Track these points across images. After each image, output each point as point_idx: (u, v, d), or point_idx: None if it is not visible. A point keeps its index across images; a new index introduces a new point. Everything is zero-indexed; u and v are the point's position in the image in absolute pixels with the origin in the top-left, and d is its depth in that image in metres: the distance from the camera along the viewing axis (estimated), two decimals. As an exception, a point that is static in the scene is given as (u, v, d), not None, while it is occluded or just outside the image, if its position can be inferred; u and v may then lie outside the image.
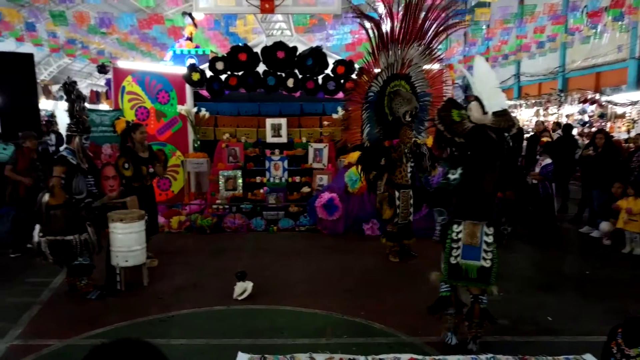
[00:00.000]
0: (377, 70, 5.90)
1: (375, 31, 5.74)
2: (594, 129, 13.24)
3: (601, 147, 7.56)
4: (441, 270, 3.81)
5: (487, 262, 3.60)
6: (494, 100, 3.63)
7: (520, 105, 19.43)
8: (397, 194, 5.84)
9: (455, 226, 3.69)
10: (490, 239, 3.62)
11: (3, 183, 6.50)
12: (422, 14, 5.66)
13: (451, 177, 3.69)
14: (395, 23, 5.68)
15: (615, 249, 6.63)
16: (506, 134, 3.63)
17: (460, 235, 3.66)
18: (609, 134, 8.09)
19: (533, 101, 18.72)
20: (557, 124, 13.80)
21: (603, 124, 13.97)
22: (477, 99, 3.63)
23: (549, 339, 3.99)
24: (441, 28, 5.72)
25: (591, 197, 7.62)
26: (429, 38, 5.76)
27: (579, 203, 8.29)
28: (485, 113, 3.58)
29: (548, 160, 7.20)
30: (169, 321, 4.35)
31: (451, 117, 3.70)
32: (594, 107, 14.74)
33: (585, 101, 15.07)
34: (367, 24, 5.78)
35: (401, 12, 5.62)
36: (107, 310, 4.58)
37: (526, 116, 18.76)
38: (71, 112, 4.87)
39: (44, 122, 15.84)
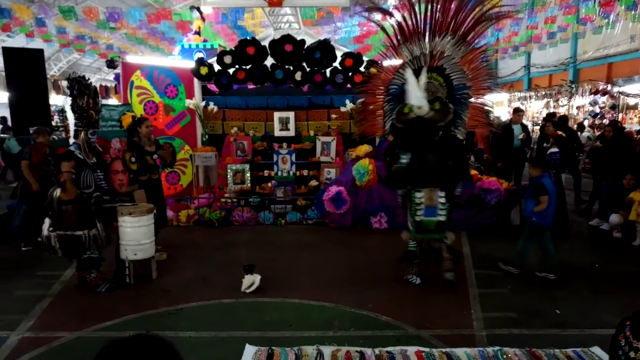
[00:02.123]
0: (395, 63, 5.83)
1: (395, 24, 5.67)
2: (605, 121, 13.10)
3: (610, 139, 7.48)
4: (408, 228, 5.05)
5: (442, 217, 4.82)
6: (414, 102, 4.95)
7: (530, 97, 19.24)
8: None
9: (417, 193, 4.85)
10: (443, 200, 4.80)
11: (16, 176, 6.60)
12: (453, 5, 5.50)
13: (403, 160, 4.93)
14: (418, 15, 5.58)
15: (626, 242, 6.57)
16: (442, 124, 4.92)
17: (422, 200, 4.82)
18: (619, 126, 7.99)
19: (543, 93, 18.52)
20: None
21: (614, 115, 13.79)
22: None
23: (556, 332, 3.97)
24: (477, 19, 5.44)
25: (601, 189, 7.55)
26: (465, 30, 5.53)
27: (589, 195, 8.21)
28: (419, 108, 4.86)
29: (555, 149, 7.13)
30: (178, 314, 4.39)
31: (403, 109, 4.98)
32: (605, 98, 14.56)
33: (596, 92, 14.89)
34: (380, 17, 5.67)
35: (423, 4, 5.51)
36: (116, 303, 4.63)
37: (536, 108, 18.58)
38: (73, 107, 4.91)
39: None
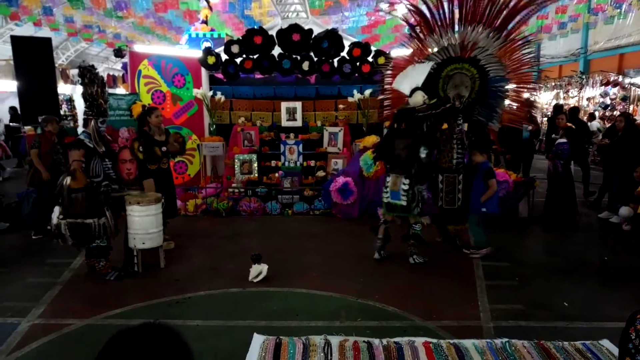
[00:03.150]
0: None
1: (417, 16, 5.66)
2: (616, 113, 12.94)
3: (621, 130, 7.40)
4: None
5: (404, 202, 5.21)
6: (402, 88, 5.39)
7: (540, 88, 19.03)
8: (440, 177, 5.78)
9: (388, 177, 5.38)
10: (405, 187, 5.18)
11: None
12: None
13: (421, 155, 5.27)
14: (445, 5, 5.53)
15: (635, 235, 6.52)
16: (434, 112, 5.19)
17: (389, 184, 5.31)
18: (630, 117, 7.90)
19: (553, 84, 18.31)
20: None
21: (625, 107, 13.63)
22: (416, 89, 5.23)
23: (564, 324, 3.95)
24: (515, 9, 5.40)
25: (611, 181, 7.48)
26: (501, 21, 5.47)
27: (599, 188, 8.15)
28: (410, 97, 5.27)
29: (563, 140, 7.07)
30: (186, 302, 4.42)
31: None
32: (616, 89, 14.37)
33: (607, 83, 14.70)
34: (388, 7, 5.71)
35: None
36: (125, 291, 4.66)
37: (545, 99, 18.39)
38: (85, 95, 4.93)
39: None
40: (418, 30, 5.90)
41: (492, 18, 5.45)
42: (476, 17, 5.48)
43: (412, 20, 5.93)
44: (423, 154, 5.21)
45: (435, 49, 5.71)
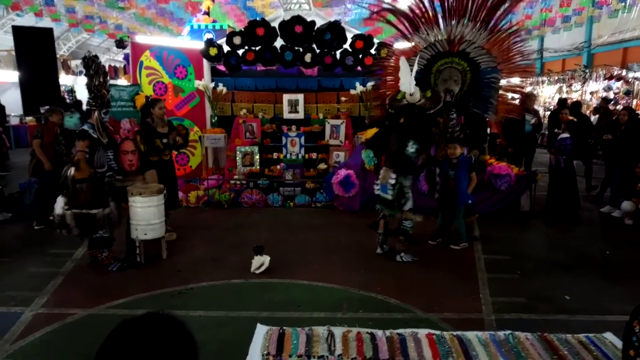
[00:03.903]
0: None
1: (403, 19, 5.67)
2: (619, 107, 12.90)
3: (624, 124, 7.37)
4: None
5: (389, 196, 5.17)
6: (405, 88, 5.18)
7: (543, 82, 18.96)
8: (437, 170, 5.82)
9: (381, 170, 5.32)
10: (392, 181, 5.14)
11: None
12: None
13: (410, 150, 5.20)
14: (427, 4, 5.54)
15: (637, 229, 6.51)
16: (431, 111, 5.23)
17: (380, 176, 5.27)
18: (633, 111, 7.87)
19: (556, 77, 18.23)
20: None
21: (629, 101, 13.58)
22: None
23: (565, 317, 3.96)
24: (497, 2, 5.45)
25: (614, 176, 7.47)
26: (483, 13, 5.50)
27: (601, 182, 8.14)
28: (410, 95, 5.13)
29: (566, 134, 7.05)
30: (188, 293, 4.43)
31: (396, 96, 5.22)
32: (619, 83, 14.32)
33: (610, 77, 14.64)
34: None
35: None
36: (127, 281, 4.68)
37: (548, 93, 18.32)
38: (89, 86, 4.91)
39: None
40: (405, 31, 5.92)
41: (475, 11, 5.47)
42: (460, 11, 5.49)
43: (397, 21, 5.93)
44: (412, 148, 5.16)
45: (423, 46, 5.73)
